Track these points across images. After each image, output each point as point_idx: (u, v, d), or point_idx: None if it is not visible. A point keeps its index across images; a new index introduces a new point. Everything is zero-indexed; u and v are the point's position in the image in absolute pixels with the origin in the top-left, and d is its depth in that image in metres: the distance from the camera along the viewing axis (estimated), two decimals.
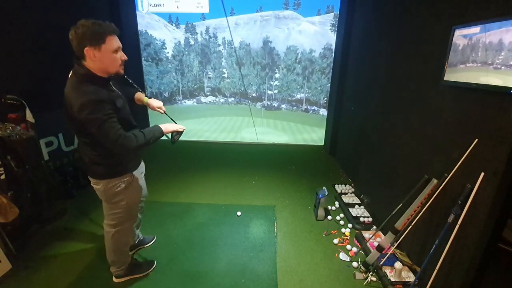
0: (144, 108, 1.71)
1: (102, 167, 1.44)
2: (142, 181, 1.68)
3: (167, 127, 1.55)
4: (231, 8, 4.27)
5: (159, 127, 1.51)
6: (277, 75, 4.57)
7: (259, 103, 4.75)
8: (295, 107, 4.73)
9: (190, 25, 4.40)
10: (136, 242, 2.11)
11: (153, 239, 2.23)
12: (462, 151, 1.49)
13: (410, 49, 2.11)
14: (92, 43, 1.22)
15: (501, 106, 1.28)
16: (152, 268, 1.95)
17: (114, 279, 1.85)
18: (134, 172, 1.56)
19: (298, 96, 4.64)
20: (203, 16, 4.31)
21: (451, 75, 1.58)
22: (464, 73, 1.48)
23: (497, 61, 1.28)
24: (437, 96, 1.75)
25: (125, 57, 1.36)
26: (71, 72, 1.32)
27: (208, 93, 4.75)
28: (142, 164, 1.73)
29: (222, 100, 4.80)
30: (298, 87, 4.58)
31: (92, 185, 1.54)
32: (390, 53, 2.45)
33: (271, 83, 4.62)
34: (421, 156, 1.92)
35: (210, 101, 4.81)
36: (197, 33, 4.44)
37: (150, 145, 1.43)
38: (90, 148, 1.40)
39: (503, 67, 1.25)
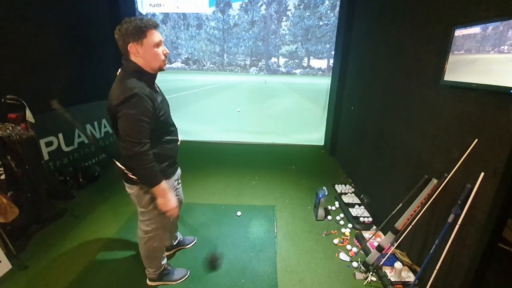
0: None
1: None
2: (176, 188, 1.66)
3: (165, 197, 1.39)
4: None
5: (162, 186, 1.36)
6: (285, 23, 3.18)
7: (253, 69, 3.63)
8: (320, 72, 3.46)
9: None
10: (175, 243, 2.13)
11: (193, 241, 2.25)
12: (462, 151, 1.49)
13: (410, 49, 2.11)
14: (134, 38, 1.23)
15: (501, 106, 1.28)
16: (185, 277, 1.89)
17: (148, 282, 1.84)
18: (167, 180, 1.49)
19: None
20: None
21: (452, 63, 1.58)
22: (466, 56, 1.48)
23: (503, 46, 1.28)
24: (437, 96, 1.75)
25: (167, 51, 1.35)
26: (119, 69, 1.33)
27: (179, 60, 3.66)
28: (179, 170, 1.69)
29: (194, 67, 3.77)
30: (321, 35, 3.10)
31: (126, 189, 1.51)
32: (390, 53, 2.45)
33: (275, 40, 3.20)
34: (421, 156, 1.92)
35: (179, 67, 3.88)
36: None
37: (142, 177, 1.35)
38: None
39: None
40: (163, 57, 1.32)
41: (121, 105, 1.20)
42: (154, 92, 1.35)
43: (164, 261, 1.84)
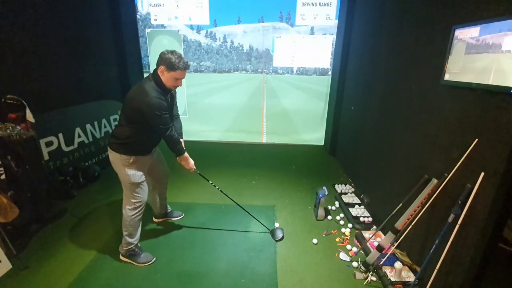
0: None
1: (122, 145, 1.84)
2: (146, 165, 2.01)
3: (187, 162, 2.10)
4: (238, 17, 4.35)
5: (184, 154, 2.05)
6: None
7: (253, 68, 4.39)
8: (314, 74, 4.28)
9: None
10: (164, 212, 2.50)
11: (181, 215, 2.61)
12: (462, 151, 1.49)
13: (410, 49, 2.11)
14: (167, 67, 1.74)
15: (501, 106, 1.28)
16: (149, 262, 2.03)
17: (120, 256, 2.05)
18: (138, 156, 1.89)
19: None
20: (215, 23, 4.34)
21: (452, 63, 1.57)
22: (466, 55, 1.48)
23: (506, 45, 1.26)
24: (437, 96, 1.75)
25: (179, 85, 1.85)
26: (149, 74, 1.82)
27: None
28: (155, 154, 2.11)
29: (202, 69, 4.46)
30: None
31: (108, 154, 1.90)
32: (390, 53, 2.45)
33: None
34: (421, 156, 1.92)
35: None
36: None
37: (177, 150, 1.99)
38: (122, 130, 1.83)
39: None
40: (174, 86, 1.84)
41: (149, 109, 1.70)
42: (164, 99, 1.81)
43: (137, 239, 2.02)
